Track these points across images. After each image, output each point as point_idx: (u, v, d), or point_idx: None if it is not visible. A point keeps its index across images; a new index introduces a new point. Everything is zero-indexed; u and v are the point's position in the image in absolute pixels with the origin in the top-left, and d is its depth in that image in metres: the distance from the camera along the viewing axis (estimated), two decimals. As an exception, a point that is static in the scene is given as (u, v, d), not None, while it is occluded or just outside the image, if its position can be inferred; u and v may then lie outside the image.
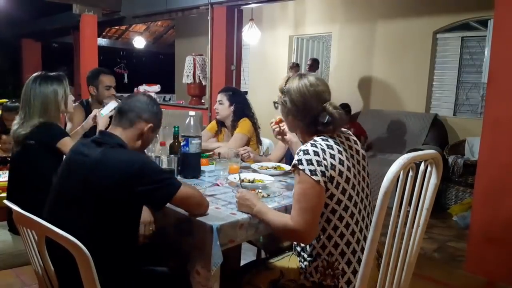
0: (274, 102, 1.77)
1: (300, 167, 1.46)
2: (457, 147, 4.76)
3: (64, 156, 1.67)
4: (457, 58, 5.27)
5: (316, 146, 1.50)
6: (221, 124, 3.13)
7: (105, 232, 1.46)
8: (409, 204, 1.42)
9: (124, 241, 1.54)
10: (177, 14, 6.26)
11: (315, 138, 1.56)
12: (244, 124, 2.96)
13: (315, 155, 1.47)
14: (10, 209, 1.46)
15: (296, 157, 1.50)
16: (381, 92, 5.82)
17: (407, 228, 1.48)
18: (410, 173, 1.38)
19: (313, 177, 1.44)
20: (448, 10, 5.14)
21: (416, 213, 1.50)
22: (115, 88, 3.08)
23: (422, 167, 1.46)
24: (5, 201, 1.53)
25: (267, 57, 7.19)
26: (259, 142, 3.10)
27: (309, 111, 1.57)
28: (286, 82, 1.68)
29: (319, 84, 1.60)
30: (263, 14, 7.12)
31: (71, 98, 2.30)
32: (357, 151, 1.62)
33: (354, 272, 1.54)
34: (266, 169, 2.39)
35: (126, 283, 1.53)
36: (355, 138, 1.67)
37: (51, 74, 2.24)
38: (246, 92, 6.60)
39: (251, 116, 3.03)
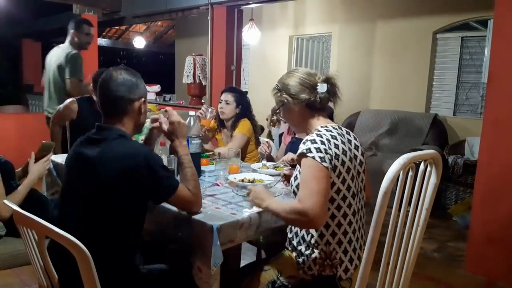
0: (273, 114, 1.83)
1: (309, 154, 1.48)
2: (457, 147, 4.75)
3: (66, 157, 1.66)
4: (457, 58, 5.26)
5: (321, 136, 1.53)
6: (221, 123, 3.13)
7: (110, 229, 1.46)
8: (409, 204, 1.42)
9: (130, 238, 1.53)
10: (177, 14, 6.25)
11: (319, 128, 1.60)
12: (244, 124, 2.97)
13: (322, 144, 1.50)
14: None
15: (303, 146, 1.52)
16: (381, 92, 5.81)
17: (407, 228, 1.48)
18: (410, 173, 1.38)
19: (323, 163, 1.46)
20: (448, 10, 5.14)
21: (416, 213, 1.50)
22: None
23: (422, 167, 1.46)
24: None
25: (267, 57, 7.18)
26: (258, 142, 3.10)
27: (307, 88, 1.63)
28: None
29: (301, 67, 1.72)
30: (263, 14, 7.11)
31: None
32: (356, 146, 1.65)
33: (351, 260, 1.58)
34: (266, 169, 2.39)
35: (127, 282, 1.53)
36: (354, 135, 1.70)
37: None
38: (246, 92, 6.58)
39: (251, 118, 3.03)
